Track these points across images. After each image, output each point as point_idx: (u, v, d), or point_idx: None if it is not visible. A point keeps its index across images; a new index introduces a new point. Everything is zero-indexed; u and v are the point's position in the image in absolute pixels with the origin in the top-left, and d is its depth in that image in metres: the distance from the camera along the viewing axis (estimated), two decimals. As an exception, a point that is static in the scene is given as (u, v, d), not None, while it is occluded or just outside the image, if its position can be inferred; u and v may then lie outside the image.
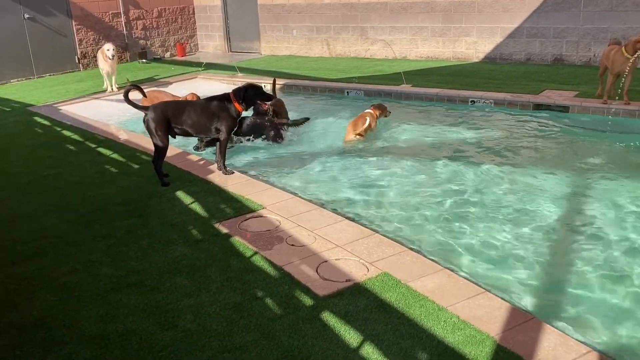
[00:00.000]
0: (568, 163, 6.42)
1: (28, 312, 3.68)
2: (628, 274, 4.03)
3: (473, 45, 12.38)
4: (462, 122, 8.22)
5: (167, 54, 17.06)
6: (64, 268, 4.25)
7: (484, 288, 3.67)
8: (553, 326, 3.24)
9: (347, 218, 4.95)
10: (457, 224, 4.96)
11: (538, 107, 8.32)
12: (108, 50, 10.85)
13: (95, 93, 11.46)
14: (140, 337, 3.30)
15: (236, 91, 6.05)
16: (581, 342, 3.10)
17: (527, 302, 3.72)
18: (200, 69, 13.65)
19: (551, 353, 2.96)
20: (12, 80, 14.29)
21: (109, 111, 10.22)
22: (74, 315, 3.58)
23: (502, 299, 3.51)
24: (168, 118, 5.78)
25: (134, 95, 6.11)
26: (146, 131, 5.94)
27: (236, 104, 6.00)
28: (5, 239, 4.88)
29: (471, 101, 8.91)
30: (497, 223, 4.92)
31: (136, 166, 6.71)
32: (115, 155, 7.18)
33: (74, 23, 15.03)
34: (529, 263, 4.25)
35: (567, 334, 3.18)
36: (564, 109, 8.10)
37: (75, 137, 8.32)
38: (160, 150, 5.82)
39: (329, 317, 3.39)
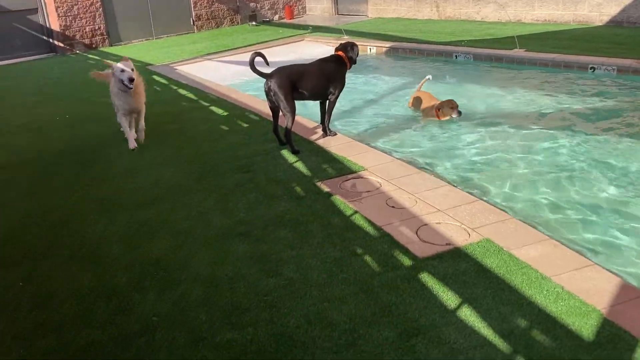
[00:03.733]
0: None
1: (148, 252, 4.04)
2: None
3: (597, 7, 11.47)
4: (580, 90, 7.73)
5: (276, 17, 17.38)
6: (179, 214, 4.60)
7: (592, 261, 3.51)
8: (668, 305, 3.05)
9: (449, 183, 4.89)
10: (566, 195, 4.74)
11: (668, 74, 7.62)
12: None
13: (208, 54, 11.98)
14: (247, 281, 3.53)
15: (343, 49, 6.07)
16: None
17: (640, 279, 3.52)
18: (307, 31, 13.80)
19: (663, 332, 2.80)
20: (133, 41, 15.30)
21: (221, 73, 10.68)
22: (188, 258, 3.89)
23: (611, 272, 3.35)
24: (293, 82, 5.73)
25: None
26: (267, 97, 5.81)
27: (348, 63, 6.04)
28: (128, 186, 5.34)
29: (591, 68, 8.33)
30: (610, 196, 4.64)
31: (245, 125, 7.00)
32: (226, 114, 7.53)
33: (190, -14, 15.68)
34: (645, 240, 3.99)
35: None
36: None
37: (190, 95, 8.80)
38: (292, 114, 5.71)
39: (427, 278, 3.42)
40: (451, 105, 6.87)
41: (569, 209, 4.51)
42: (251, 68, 5.68)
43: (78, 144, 6.91)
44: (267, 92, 5.76)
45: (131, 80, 5.97)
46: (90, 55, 13.80)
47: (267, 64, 5.85)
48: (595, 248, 3.90)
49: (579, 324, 2.90)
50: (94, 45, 14.74)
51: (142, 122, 6.54)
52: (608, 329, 2.85)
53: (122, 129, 6.60)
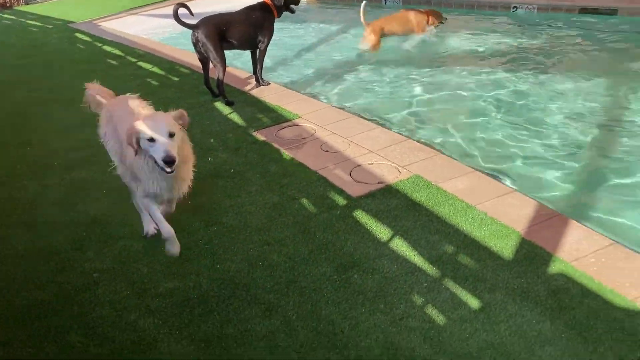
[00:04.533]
0: (615, 68, 6.23)
1: (84, 211, 4.01)
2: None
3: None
4: (503, 29, 7.97)
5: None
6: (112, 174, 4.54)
7: (513, 188, 3.76)
8: (579, 222, 3.33)
9: (381, 125, 5.04)
10: (490, 129, 4.98)
11: (584, 10, 7.97)
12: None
13: (132, 9, 11.50)
14: (187, 232, 3.58)
15: None
16: (605, 235, 3.20)
17: (556, 201, 3.80)
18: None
19: (574, 246, 3.08)
20: (51, -2, 14.44)
21: (147, 27, 10.31)
22: (125, 215, 3.87)
23: (530, 197, 3.61)
24: (221, 32, 5.64)
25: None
26: (195, 49, 5.73)
27: (275, 11, 5.98)
28: (60, 147, 5.20)
29: (513, 7, 8.58)
30: (531, 127, 4.92)
31: (176, 79, 6.87)
32: (155, 69, 7.34)
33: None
34: (560, 165, 4.28)
35: (591, 229, 3.28)
36: (612, 11, 7.73)
37: (116, 52, 8.50)
38: (222, 64, 5.64)
39: (361, 215, 3.57)
40: (438, 14, 7.72)
41: (492, 144, 4.74)
42: (176, 20, 5.56)
43: (4, 106, 6.60)
44: (195, 44, 5.67)
45: (171, 162, 2.81)
46: (5, 15, 12.97)
47: (192, 14, 5.74)
48: (516, 177, 4.15)
49: (501, 246, 3.14)
50: (7, 4, 13.83)
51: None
52: (526, 247, 3.10)
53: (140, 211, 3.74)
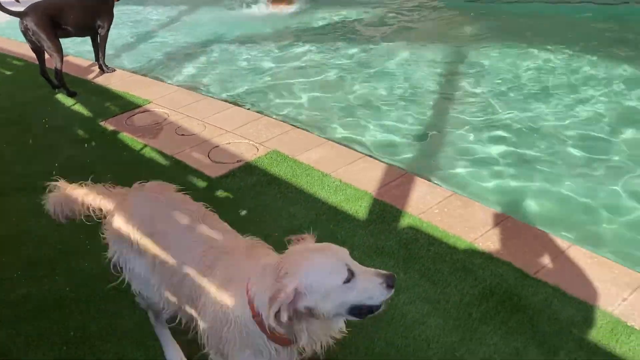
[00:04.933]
0: (441, 35, 6.76)
1: None
2: (489, 126, 4.48)
3: None
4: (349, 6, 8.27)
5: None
6: None
7: (363, 153, 3.99)
8: (424, 178, 3.63)
9: (235, 104, 5.04)
10: (342, 100, 5.18)
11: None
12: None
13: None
14: (37, 235, 3.34)
15: None
16: (446, 188, 3.53)
17: (405, 162, 4.07)
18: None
19: (421, 200, 3.35)
20: None
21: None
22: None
23: (379, 160, 3.85)
24: (53, 18, 5.21)
25: None
26: (26, 38, 5.26)
27: None
28: None
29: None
30: (380, 96, 5.20)
31: (8, 72, 6.29)
32: (-18, 63, 6.64)
33: None
34: (408, 129, 4.58)
35: (435, 184, 3.59)
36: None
37: None
38: (58, 53, 5.25)
39: (222, 194, 3.58)
40: None
41: (344, 114, 4.94)
42: None
43: None
44: (25, 32, 5.21)
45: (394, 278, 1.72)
46: None
47: (18, 1, 5.27)
48: (367, 144, 4.38)
49: (355, 208, 3.32)
50: None
51: None
52: (378, 207, 3.32)
53: None
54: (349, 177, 3.63)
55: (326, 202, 3.40)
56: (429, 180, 3.62)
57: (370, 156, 3.95)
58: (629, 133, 4.26)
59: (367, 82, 5.51)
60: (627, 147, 4.08)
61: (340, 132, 4.57)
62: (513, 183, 3.79)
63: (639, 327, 2.38)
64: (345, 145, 4.16)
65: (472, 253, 2.89)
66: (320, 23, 7.57)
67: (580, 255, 2.82)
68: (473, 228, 3.07)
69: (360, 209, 3.31)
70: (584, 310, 2.49)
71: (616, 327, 2.39)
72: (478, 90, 5.10)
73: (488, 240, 2.97)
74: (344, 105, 5.07)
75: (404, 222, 3.17)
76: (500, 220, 3.13)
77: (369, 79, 5.58)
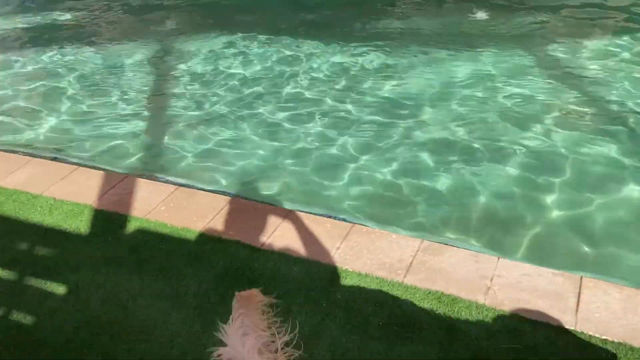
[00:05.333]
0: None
1: None
2: (204, 119, 4.56)
3: None
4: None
5: None
6: None
7: (84, 166, 3.72)
8: (148, 178, 3.55)
9: None
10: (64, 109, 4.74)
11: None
12: None
13: None
14: None
15: None
16: (171, 183, 3.51)
17: (123, 165, 3.91)
18: None
19: (146, 200, 3.27)
20: None
21: None
22: None
23: (96, 169, 3.65)
24: None
25: None
26: None
27: None
28: None
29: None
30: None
31: None
32: None
33: None
34: (119, 130, 4.41)
35: (159, 181, 3.54)
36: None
37: None
38: None
39: None
40: None
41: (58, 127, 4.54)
42: None
43: None
44: None
45: None
46: None
47: None
48: (81, 154, 4.11)
49: (76, 224, 3.10)
50: None
51: None
52: (102, 217, 3.15)
53: None
54: (64, 192, 3.37)
55: (41, 224, 3.10)
56: (154, 179, 3.57)
57: (86, 165, 3.72)
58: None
59: (86, 87, 5.14)
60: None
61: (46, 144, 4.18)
62: (233, 165, 3.91)
63: (352, 269, 2.71)
64: (53, 160, 3.83)
65: (203, 241, 2.95)
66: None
67: (297, 218, 3.09)
68: (201, 217, 3.13)
69: (81, 224, 3.10)
70: (308, 266, 2.74)
71: (334, 273, 2.69)
72: (189, 86, 5.12)
73: (217, 224, 3.06)
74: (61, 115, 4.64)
75: (132, 226, 3.07)
76: (225, 203, 3.24)
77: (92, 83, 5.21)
